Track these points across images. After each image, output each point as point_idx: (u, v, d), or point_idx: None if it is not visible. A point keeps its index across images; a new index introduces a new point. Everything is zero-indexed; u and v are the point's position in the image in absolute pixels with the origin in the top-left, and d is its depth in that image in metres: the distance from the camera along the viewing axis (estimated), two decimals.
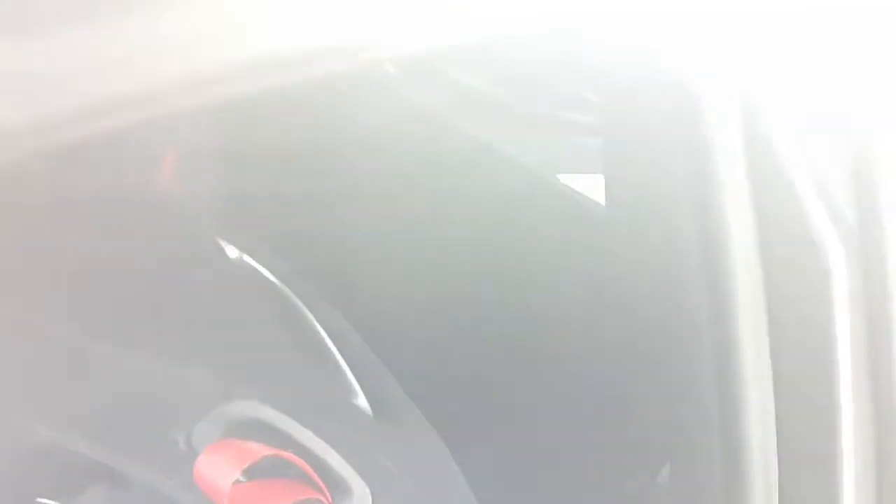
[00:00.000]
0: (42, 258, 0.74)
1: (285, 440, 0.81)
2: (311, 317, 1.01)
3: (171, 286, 0.84)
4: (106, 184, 0.87)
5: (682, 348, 0.73)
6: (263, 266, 1.06)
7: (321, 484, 0.82)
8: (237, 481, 0.76)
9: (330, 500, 0.83)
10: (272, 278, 1.05)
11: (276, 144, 1.11)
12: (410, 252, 1.06)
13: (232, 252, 1.03)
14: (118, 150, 0.87)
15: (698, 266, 0.68)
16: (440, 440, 0.99)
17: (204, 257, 0.96)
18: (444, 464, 0.96)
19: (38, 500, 1.06)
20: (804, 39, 0.66)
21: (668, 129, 0.65)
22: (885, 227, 0.67)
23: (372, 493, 0.85)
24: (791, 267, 0.68)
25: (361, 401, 0.94)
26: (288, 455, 0.80)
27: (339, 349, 1.00)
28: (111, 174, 0.88)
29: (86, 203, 0.82)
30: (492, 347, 1.00)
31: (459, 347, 1.03)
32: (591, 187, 0.90)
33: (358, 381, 0.98)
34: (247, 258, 1.04)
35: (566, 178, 1.03)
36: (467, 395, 0.99)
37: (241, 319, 0.91)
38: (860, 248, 0.67)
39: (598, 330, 0.82)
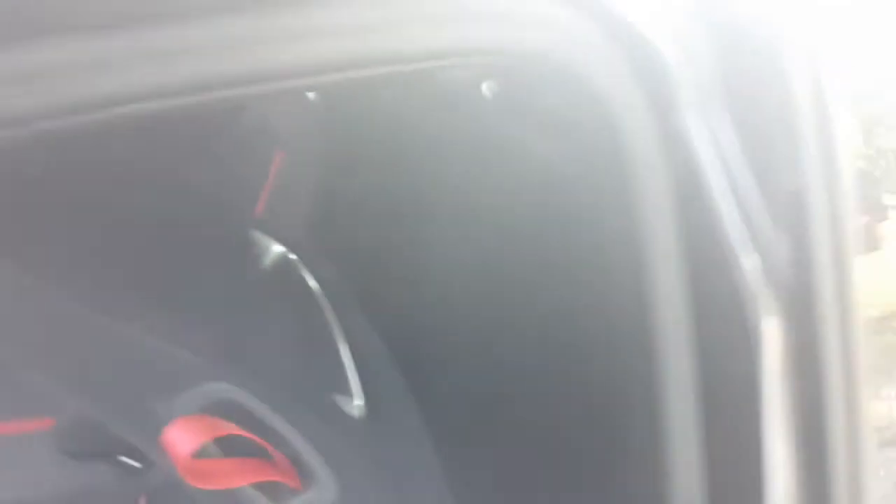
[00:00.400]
0: (64, 234, 0.85)
1: (259, 426, 0.88)
2: (328, 314, 1.08)
3: (188, 269, 0.94)
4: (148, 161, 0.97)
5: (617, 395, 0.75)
6: (300, 264, 1.14)
7: (288, 469, 0.89)
8: (200, 454, 0.84)
9: (296, 485, 0.90)
10: (305, 276, 1.13)
11: (351, 146, 1.18)
12: (448, 260, 1.10)
13: (262, 243, 1.11)
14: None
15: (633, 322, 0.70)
16: (431, 447, 1.04)
17: (235, 245, 1.05)
18: (426, 470, 1.01)
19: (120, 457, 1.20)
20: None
21: (603, 175, 0.68)
22: (819, 290, 0.67)
23: (340, 487, 0.91)
24: (721, 321, 0.69)
25: (353, 400, 1.01)
26: (256, 438, 0.87)
27: (350, 347, 1.07)
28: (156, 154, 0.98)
29: (125, 179, 0.93)
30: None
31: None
32: None
33: (362, 381, 1.04)
34: (279, 253, 1.13)
35: None
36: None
37: (252, 307, 0.99)
38: (792, 305, 0.68)
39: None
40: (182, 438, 0.82)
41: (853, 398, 0.70)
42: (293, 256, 1.16)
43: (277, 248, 1.17)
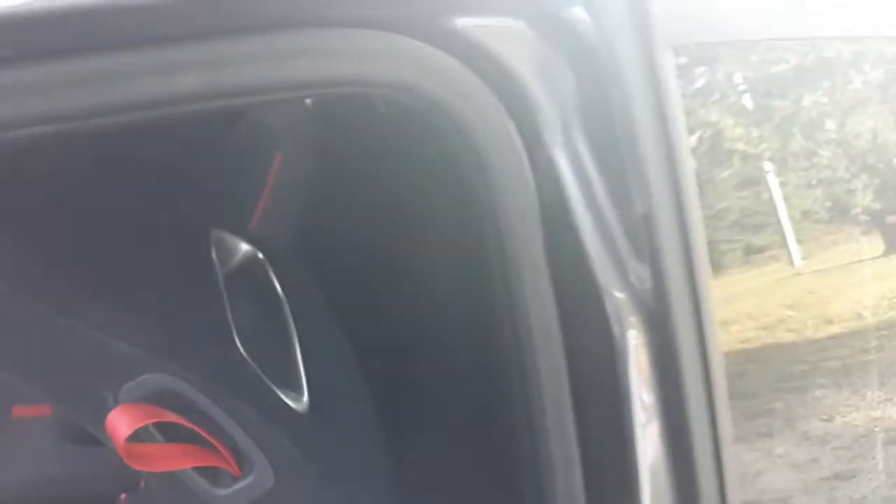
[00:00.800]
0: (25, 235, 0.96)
1: (200, 415, 0.99)
2: (286, 312, 1.18)
3: (143, 265, 1.04)
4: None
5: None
6: (267, 264, 1.25)
7: (227, 455, 1.00)
8: (139, 438, 0.95)
9: (236, 470, 1.01)
10: (270, 276, 1.24)
11: (345, 156, 1.28)
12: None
13: (231, 243, 1.21)
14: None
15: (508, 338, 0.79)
16: (380, 445, 1.13)
17: (199, 243, 1.15)
18: (370, 466, 1.10)
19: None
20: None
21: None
22: (674, 304, 0.75)
23: (275, 474, 1.01)
24: (590, 336, 0.77)
25: (299, 396, 1.11)
26: (195, 427, 0.98)
27: (305, 347, 1.17)
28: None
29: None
30: None
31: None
32: None
33: (311, 379, 1.14)
34: (248, 252, 1.23)
35: None
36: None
37: (207, 304, 1.09)
38: (652, 318, 0.76)
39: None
40: (121, 423, 0.93)
41: (712, 397, 0.78)
42: (261, 256, 1.27)
43: (246, 248, 1.27)
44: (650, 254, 0.74)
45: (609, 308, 0.76)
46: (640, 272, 0.75)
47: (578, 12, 0.73)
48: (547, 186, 0.76)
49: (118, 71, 0.61)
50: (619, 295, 0.76)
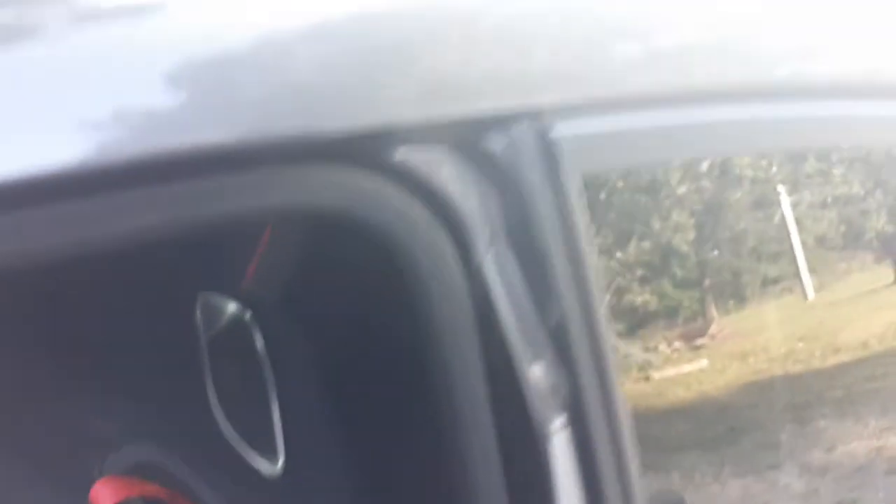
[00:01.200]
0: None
1: (178, 484, 1.12)
2: (266, 374, 1.30)
3: (124, 338, 1.17)
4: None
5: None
6: (253, 324, 1.36)
7: None
8: None
9: None
10: (254, 336, 1.35)
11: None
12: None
13: (218, 305, 1.33)
14: None
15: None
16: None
17: (184, 309, 1.27)
18: None
19: None
20: None
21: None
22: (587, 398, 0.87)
23: None
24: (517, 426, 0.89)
25: (274, 458, 1.23)
26: (172, 495, 1.11)
27: (284, 408, 1.28)
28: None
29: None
30: None
31: None
32: None
33: (289, 440, 1.26)
34: (234, 314, 1.34)
35: None
36: None
37: (188, 370, 1.22)
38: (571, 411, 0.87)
39: None
40: (103, 496, 1.06)
41: (627, 482, 0.90)
42: (247, 316, 1.39)
43: (232, 309, 1.39)
44: (564, 360, 0.86)
45: (533, 404, 0.87)
46: (559, 373, 0.87)
47: (497, 142, 0.85)
48: (478, 293, 0.87)
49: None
50: (542, 392, 0.87)
